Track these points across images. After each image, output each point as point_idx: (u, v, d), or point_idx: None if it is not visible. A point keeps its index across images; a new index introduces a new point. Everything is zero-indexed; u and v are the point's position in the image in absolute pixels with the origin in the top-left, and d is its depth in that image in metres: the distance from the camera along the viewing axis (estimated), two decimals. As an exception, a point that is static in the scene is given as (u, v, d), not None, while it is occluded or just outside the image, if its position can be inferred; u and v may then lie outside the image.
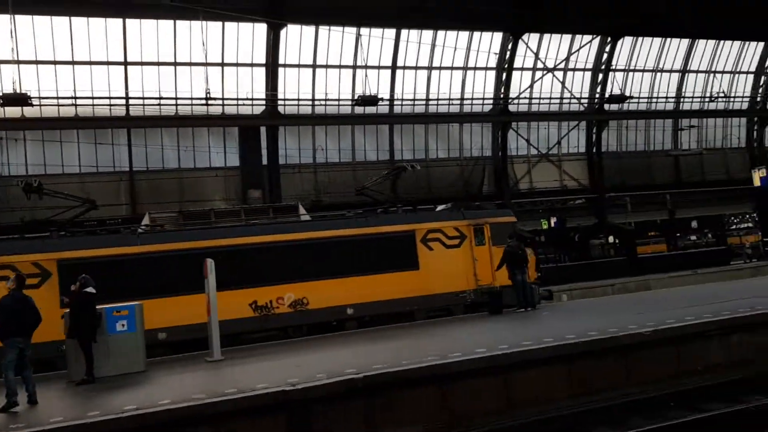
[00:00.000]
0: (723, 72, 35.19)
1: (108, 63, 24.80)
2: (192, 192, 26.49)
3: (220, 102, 25.99)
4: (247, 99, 26.57)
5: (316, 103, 28.02)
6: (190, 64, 25.87)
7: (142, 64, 25.28)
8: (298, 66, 27.77)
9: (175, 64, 25.75)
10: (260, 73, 27.00)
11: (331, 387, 8.20)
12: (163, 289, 14.18)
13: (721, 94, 34.26)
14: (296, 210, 17.32)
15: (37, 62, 23.71)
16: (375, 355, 10.36)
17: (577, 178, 33.21)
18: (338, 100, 28.19)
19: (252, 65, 26.84)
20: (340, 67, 28.42)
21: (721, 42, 34.50)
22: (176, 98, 25.54)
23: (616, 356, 9.67)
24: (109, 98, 24.53)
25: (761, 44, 35.35)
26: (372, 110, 28.54)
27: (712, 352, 10.29)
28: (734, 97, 35.45)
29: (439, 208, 18.39)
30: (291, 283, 15.49)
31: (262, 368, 10.58)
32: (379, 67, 28.99)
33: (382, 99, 27.26)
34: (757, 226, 39.67)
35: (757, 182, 23.79)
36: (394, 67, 29.21)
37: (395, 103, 29.39)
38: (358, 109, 28.39)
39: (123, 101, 24.94)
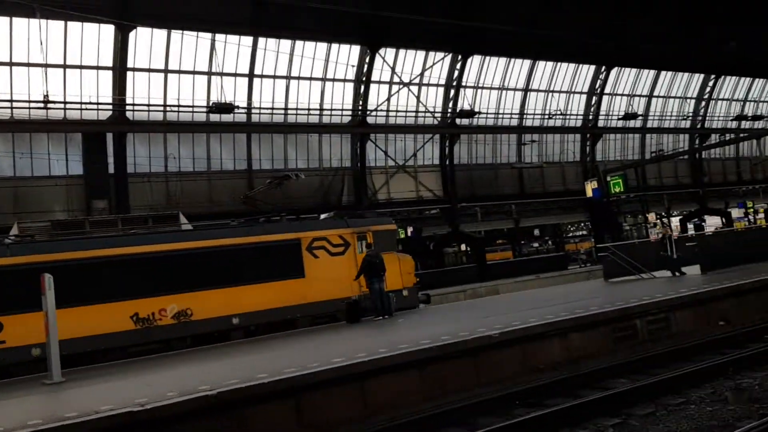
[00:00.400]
0: (560, 92, 38.15)
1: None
2: (29, 202, 24.38)
3: (61, 106, 24.19)
4: (92, 103, 24.94)
5: (169, 109, 26.91)
6: (28, 64, 23.88)
7: (-29, 62, 23.03)
8: (149, 70, 26.53)
9: (11, 64, 23.66)
10: (107, 77, 25.46)
11: (182, 405, 7.88)
12: (35, 302, 12.12)
13: (558, 112, 37.16)
14: (177, 219, 16.88)
15: None
16: (234, 368, 10.09)
17: (432, 189, 34.50)
18: (192, 106, 27.25)
19: (98, 68, 25.26)
20: (194, 73, 27.52)
21: (559, 64, 37.39)
22: (11, 100, 23.45)
23: (467, 359, 10.14)
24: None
25: (592, 67, 38.72)
26: (228, 118, 27.88)
27: (554, 351, 11.10)
28: (569, 115, 38.55)
29: (323, 216, 18.54)
30: (174, 294, 15.06)
31: (109, 388, 9.93)
32: (235, 75, 28.41)
33: (238, 107, 26.72)
34: (590, 234, 43.28)
35: (589, 193, 26.01)
36: (251, 75, 28.76)
37: (253, 111, 28.93)
38: (214, 117, 27.63)
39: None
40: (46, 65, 23.73)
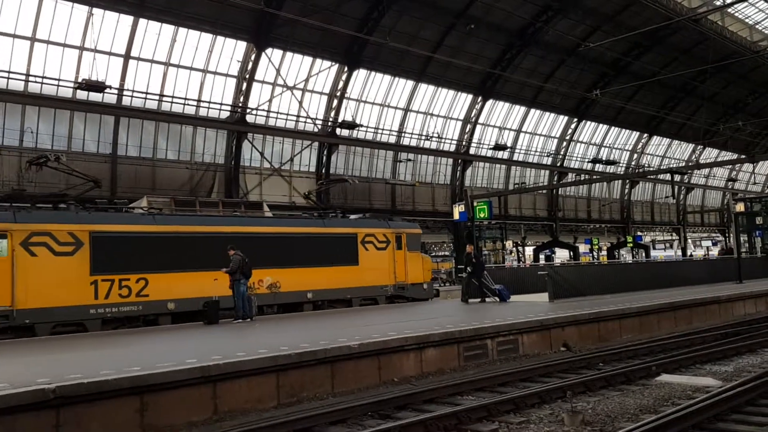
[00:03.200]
0: (438, 116, 39.50)
1: None
2: None
3: None
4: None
5: (32, 80, 24.91)
6: None
7: None
8: (13, 36, 24.47)
9: None
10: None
11: (13, 398, 7.29)
12: (172, 264, 16.62)
13: (435, 135, 38.45)
14: (261, 207, 21.17)
15: None
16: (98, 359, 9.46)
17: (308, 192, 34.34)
18: (58, 80, 25.39)
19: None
20: (65, 45, 25.69)
21: (440, 89, 38.74)
22: None
23: (324, 367, 10.18)
24: None
25: (470, 96, 40.47)
26: (97, 98, 26.25)
27: (408, 365, 11.40)
28: (445, 139, 39.98)
29: (353, 217, 22.50)
30: (268, 269, 18.35)
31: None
32: (110, 54, 26.86)
33: (110, 87, 25.24)
34: (452, 255, 44.91)
35: (456, 215, 27.06)
36: (127, 56, 27.28)
37: (125, 94, 27.43)
38: (81, 95, 25.91)
39: None
40: None
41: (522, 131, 44.92)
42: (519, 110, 43.88)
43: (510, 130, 44.11)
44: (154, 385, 8.30)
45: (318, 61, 32.80)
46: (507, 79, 39.28)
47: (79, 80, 25.09)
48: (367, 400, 9.40)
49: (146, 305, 16.23)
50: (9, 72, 24.24)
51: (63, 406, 7.61)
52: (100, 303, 15.51)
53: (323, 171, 34.88)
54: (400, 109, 37.58)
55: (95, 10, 25.58)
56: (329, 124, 34.17)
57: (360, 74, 34.65)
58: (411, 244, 22.26)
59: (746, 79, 49.77)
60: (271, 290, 18.53)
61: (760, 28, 44.64)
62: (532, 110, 44.48)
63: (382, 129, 36.96)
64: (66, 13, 25.20)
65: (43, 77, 25.07)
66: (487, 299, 19.92)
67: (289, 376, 9.72)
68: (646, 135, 53.12)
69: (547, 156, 47.21)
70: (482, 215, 24.45)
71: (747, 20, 43.14)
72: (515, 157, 45.30)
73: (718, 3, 36.44)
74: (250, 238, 18.09)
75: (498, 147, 41.49)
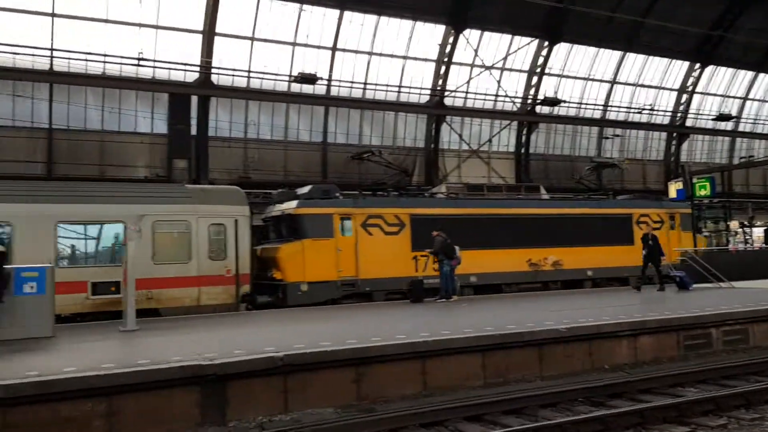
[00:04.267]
0: (649, 86, 36.67)
1: (35, 13, 23.36)
2: (113, 156, 25.36)
3: (151, 65, 24.99)
4: (180, 64, 25.65)
5: (253, 76, 27.39)
6: (123, 23, 24.72)
7: (71, 17, 23.94)
8: (236, 37, 27.01)
9: (107, 21, 24.55)
10: (196, 40, 26.08)
11: (247, 364, 8.08)
12: (472, 243, 18.35)
13: (647, 108, 35.73)
14: (538, 190, 22.36)
15: (-47, 3, 22.11)
16: (346, 330, 10.27)
17: (504, 176, 33.93)
18: (275, 75, 27.63)
19: (188, 31, 25.89)
20: (279, 42, 27.84)
21: (650, 58, 35.90)
22: (105, 56, 24.36)
23: (531, 350, 9.99)
24: (33, 49, 23.11)
25: (686, 63, 37.03)
26: (308, 90, 28.13)
27: (620, 352, 10.78)
28: (657, 111, 37.03)
29: (621, 197, 23.43)
30: (551, 248, 20.26)
31: (179, 341, 10.31)
32: (319, 47, 28.60)
33: (321, 78, 26.90)
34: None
35: (673, 194, 24.88)
36: (334, 48, 28.87)
37: (333, 84, 29.08)
38: (294, 88, 27.94)
39: (47, 54, 23.56)
40: (141, 25, 24.56)
41: (748, 98, 40.18)
42: (744, 75, 39.27)
43: (734, 98, 39.66)
44: (368, 358, 8.73)
45: (516, 38, 32.03)
46: (729, 42, 35.28)
47: (293, 74, 27.01)
48: (578, 385, 9.08)
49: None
50: (234, 70, 26.83)
51: (290, 373, 8.29)
52: (419, 275, 17.86)
53: (522, 151, 34.15)
54: (605, 82, 35.48)
55: (305, 7, 27.34)
56: (528, 102, 33.30)
57: (561, 48, 33.27)
58: (684, 223, 23.02)
59: None
60: (555, 267, 20.15)
61: None
62: (761, 75, 39.53)
63: (586, 104, 35.19)
64: (279, 11, 27.26)
65: (262, 73, 27.42)
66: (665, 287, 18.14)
67: (495, 356, 9.69)
68: None
69: (781, 125, 41.78)
70: (703, 193, 22.26)
71: None
72: (740, 128, 40.69)
73: None
74: (533, 219, 20.37)
75: (721, 117, 37.55)
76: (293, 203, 17.73)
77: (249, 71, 27.31)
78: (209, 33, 25.82)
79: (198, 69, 25.96)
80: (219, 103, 27.57)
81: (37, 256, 13.30)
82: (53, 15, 23.60)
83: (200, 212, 16.12)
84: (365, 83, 29.79)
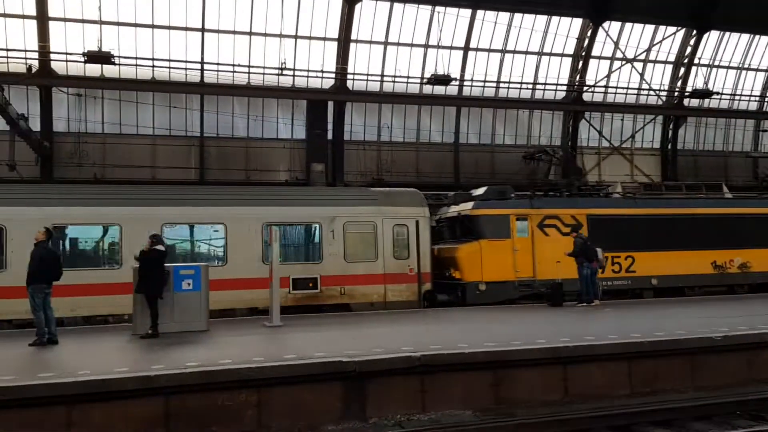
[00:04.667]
0: (814, 72, 33.24)
1: (186, 29, 25.26)
2: (257, 161, 26.83)
3: (290, 74, 26.17)
4: (317, 72, 26.65)
5: (386, 80, 27.86)
6: (265, 34, 26.06)
7: (218, 32, 25.63)
8: (370, 42, 27.61)
9: (251, 33, 26.01)
10: (332, 48, 26.97)
11: (385, 363, 8.20)
12: (652, 244, 18.44)
13: (811, 96, 32.43)
14: (721, 189, 22.06)
15: (119, 24, 24.32)
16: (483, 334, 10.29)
17: (649, 174, 32.10)
18: (407, 78, 27.94)
19: (324, 39, 26.82)
20: (411, 45, 28.11)
21: (816, 40, 32.57)
22: (249, 67, 25.84)
23: (682, 359, 9.36)
24: (185, 62, 25.01)
25: None
26: (440, 91, 28.15)
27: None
28: (824, 99, 33.47)
29: None
30: (737, 249, 19.58)
31: (322, 338, 10.69)
32: (451, 48, 28.54)
33: (454, 79, 26.86)
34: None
35: None
36: (466, 48, 28.69)
37: (465, 84, 28.92)
38: (425, 89, 28.09)
39: (198, 67, 25.40)
40: (281, 36, 25.80)
41: None
42: None
43: None
44: (507, 362, 8.58)
45: (661, 28, 30.19)
46: None
47: (426, 76, 27.17)
48: (733, 398, 8.42)
49: (634, 280, 18.51)
50: (368, 75, 27.45)
51: (426, 374, 8.32)
52: (598, 277, 17.01)
53: (669, 147, 32.14)
54: (762, 71, 32.59)
55: (438, 8, 27.41)
56: (675, 95, 31.29)
57: (711, 36, 30.96)
58: None
59: None
60: (741, 270, 19.46)
61: None
62: None
63: (741, 95, 32.51)
64: (413, 14, 27.54)
65: (394, 77, 27.82)
66: None
67: (642, 364, 9.17)
68: None
69: None
70: None
71: None
72: None
73: None
74: (717, 219, 19.76)
75: None
76: (469, 204, 18.24)
77: (382, 75, 27.82)
78: (345, 41, 26.59)
79: (334, 75, 26.82)
80: (354, 108, 28.32)
81: (247, 253, 15.47)
82: (203, 30, 25.36)
83: (385, 214, 17.10)
84: (498, 81, 29.36)
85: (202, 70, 25.41)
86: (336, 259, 16.08)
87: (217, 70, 25.44)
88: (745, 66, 32.28)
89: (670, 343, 9.29)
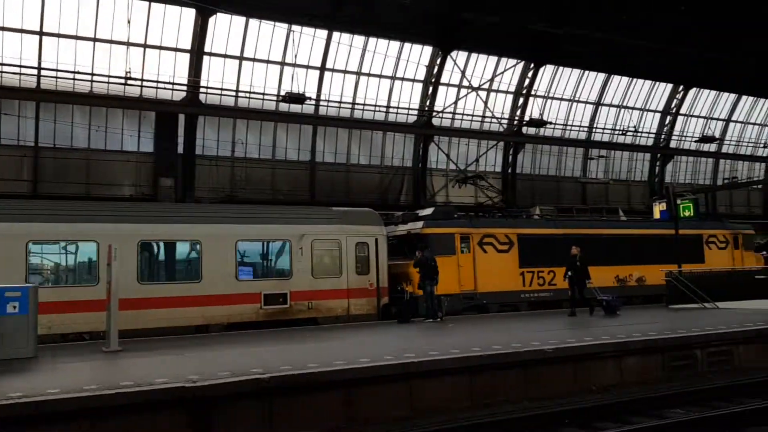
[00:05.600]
0: (633, 108, 37.12)
1: (22, 31, 23.35)
2: (99, 175, 25.22)
3: (138, 84, 24.96)
4: (167, 83, 25.66)
5: (241, 95, 27.42)
6: (111, 41, 24.72)
7: (58, 36, 23.92)
8: (224, 56, 27.06)
9: (95, 39, 24.54)
10: (183, 59, 26.09)
11: (233, 386, 8.01)
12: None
13: (630, 129, 36.14)
14: (617, 212, 25.06)
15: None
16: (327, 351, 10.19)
17: (491, 196, 34.09)
18: (263, 94, 27.68)
19: (176, 50, 25.91)
20: (267, 62, 27.93)
21: (634, 80, 36.40)
22: (92, 74, 24.33)
23: (517, 371, 9.97)
24: (20, 67, 23.04)
25: (669, 85, 37.56)
26: (296, 109, 28.18)
27: (606, 373, 10.80)
28: (641, 132, 37.46)
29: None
30: (633, 265, 22.24)
31: (163, 362, 10.21)
32: (307, 67, 28.71)
33: (309, 98, 27.00)
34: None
35: (657, 214, 25.10)
36: (323, 68, 29.00)
37: (321, 104, 29.18)
38: (282, 107, 28.00)
39: (34, 72, 23.50)
40: (129, 44, 24.59)
41: (732, 120, 40.79)
42: (728, 98, 39.88)
43: (717, 119, 40.26)
44: (355, 380, 8.68)
45: (503, 60, 32.40)
46: (713, 65, 35.82)
47: (282, 94, 27.09)
48: (565, 407, 9.08)
49: (555, 292, 20.39)
50: (221, 89, 26.85)
51: (276, 395, 8.21)
52: (526, 289, 20.09)
53: (509, 171, 34.38)
54: (590, 104, 35.91)
55: (294, 27, 27.49)
56: (515, 122, 33.60)
57: (547, 70, 33.67)
58: (746, 243, 25.31)
59: None
60: (638, 283, 22.16)
61: None
62: (744, 97, 40.19)
63: (571, 125, 35.57)
64: (268, 32, 27.40)
65: (250, 92, 27.48)
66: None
67: (482, 377, 9.66)
68: None
69: (764, 147, 42.36)
70: (687, 214, 22.41)
71: None
72: (724, 150, 41.23)
73: None
74: (620, 238, 22.38)
75: (705, 139, 38.05)
76: (419, 223, 19.50)
77: (237, 90, 27.35)
78: (198, 52, 25.87)
79: (185, 88, 25.96)
80: (207, 122, 27.56)
81: (220, 269, 16.05)
82: (41, 33, 23.57)
83: (348, 232, 18.05)
84: (353, 103, 29.92)
85: (38, 75, 23.57)
86: (304, 275, 17.04)
87: (56, 77, 23.73)
88: (576, 99, 35.39)
89: (506, 356, 9.87)
